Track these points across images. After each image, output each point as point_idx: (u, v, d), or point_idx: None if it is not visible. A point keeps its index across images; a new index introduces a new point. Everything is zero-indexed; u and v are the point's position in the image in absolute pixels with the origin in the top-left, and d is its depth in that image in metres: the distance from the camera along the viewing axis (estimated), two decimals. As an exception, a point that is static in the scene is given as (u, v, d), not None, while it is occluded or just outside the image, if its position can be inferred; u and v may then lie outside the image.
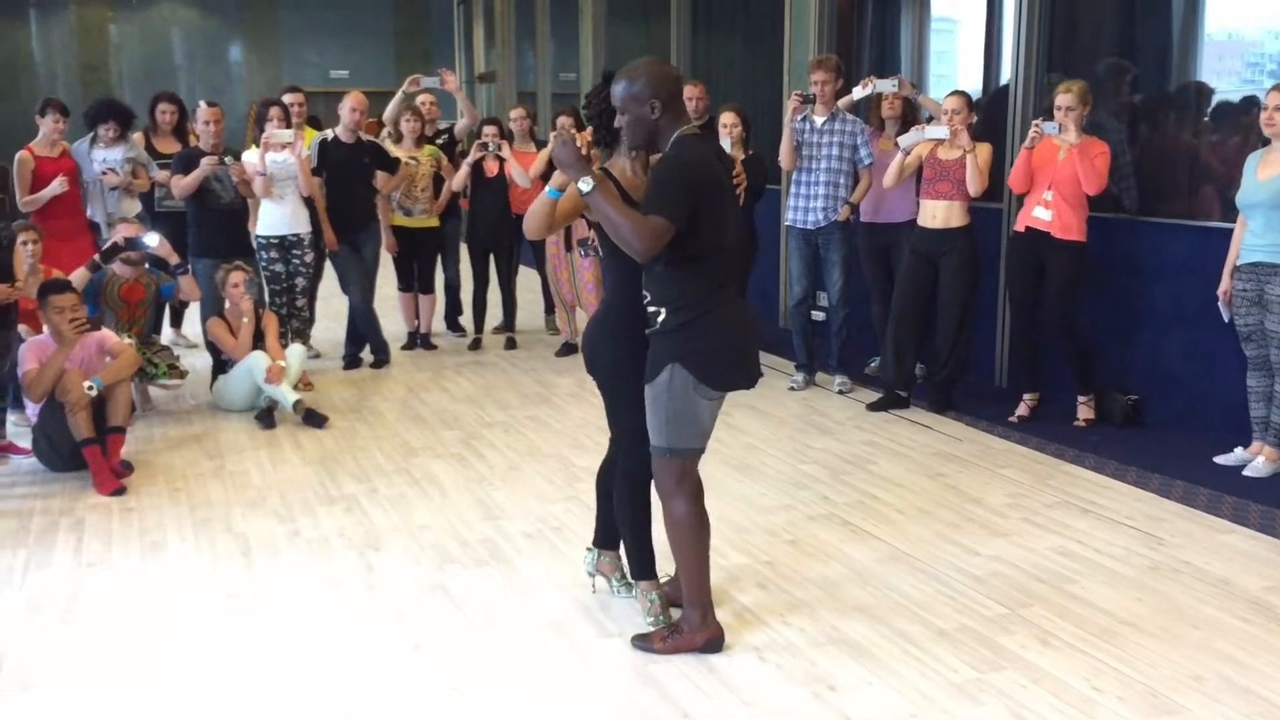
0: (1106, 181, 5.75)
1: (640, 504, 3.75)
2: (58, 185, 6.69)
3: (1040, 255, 5.86)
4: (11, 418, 5.97)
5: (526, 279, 9.05)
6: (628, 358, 3.54)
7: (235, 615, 3.91)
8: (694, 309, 3.36)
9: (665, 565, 3.97)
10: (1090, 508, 4.88)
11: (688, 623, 3.60)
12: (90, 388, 5.23)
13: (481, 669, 3.50)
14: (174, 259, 6.34)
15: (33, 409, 5.49)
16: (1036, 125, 5.74)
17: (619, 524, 3.81)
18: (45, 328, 5.42)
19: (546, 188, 3.49)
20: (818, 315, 7.22)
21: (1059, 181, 5.76)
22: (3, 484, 5.34)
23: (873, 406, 6.46)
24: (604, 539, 3.97)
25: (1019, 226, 5.95)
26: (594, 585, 4.02)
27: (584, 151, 3.37)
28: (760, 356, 3.65)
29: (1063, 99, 5.69)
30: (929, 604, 3.93)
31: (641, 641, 3.62)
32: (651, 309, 3.43)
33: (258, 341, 6.49)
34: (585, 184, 3.27)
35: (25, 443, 5.67)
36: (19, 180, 6.73)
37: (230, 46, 19.28)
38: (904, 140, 6.16)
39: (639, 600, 3.82)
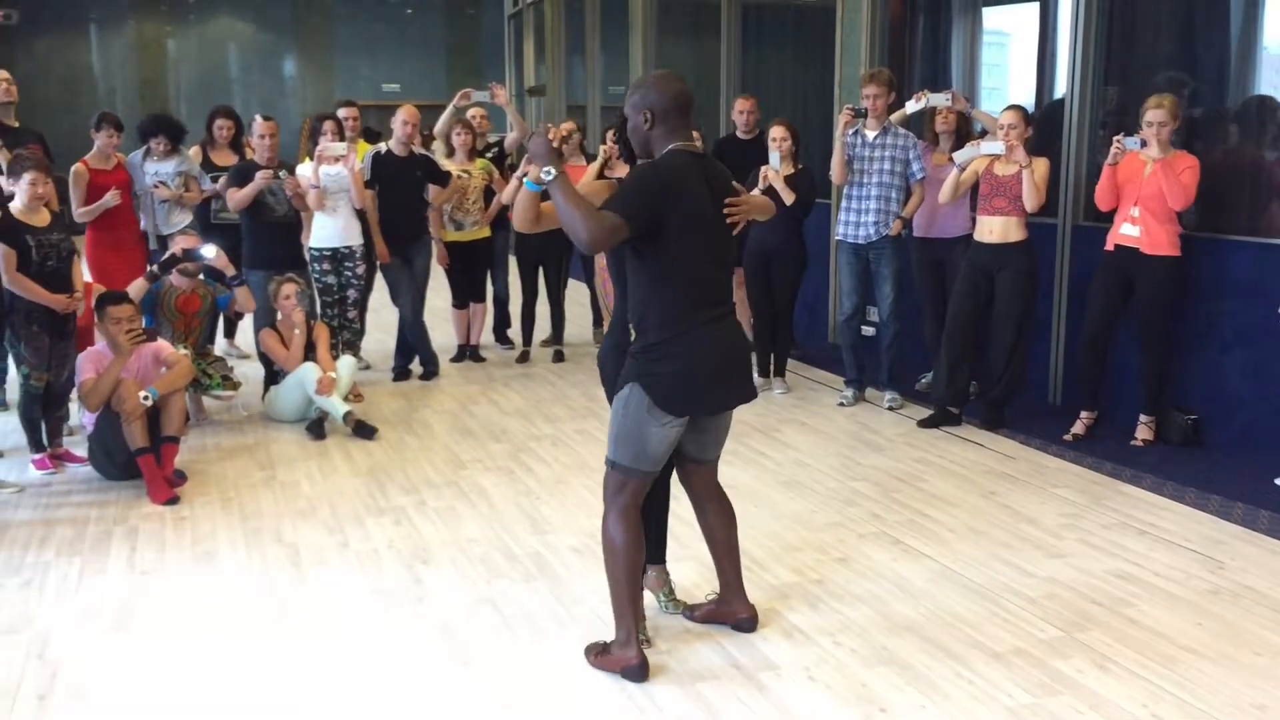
0: (1194, 196, 5.59)
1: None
2: (110, 198, 6.82)
3: (1129, 273, 5.74)
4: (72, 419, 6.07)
5: (575, 292, 9.06)
6: None
7: (285, 625, 3.93)
8: (660, 332, 3.36)
9: (712, 581, 3.95)
10: (1148, 529, 4.79)
11: (614, 640, 3.58)
12: (146, 398, 5.29)
13: (530, 685, 3.49)
14: (230, 271, 6.41)
15: (89, 418, 5.56)
16: (1119, 141, 5.62)
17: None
18: (101, 337, 5.50)
19: (525, 180, 3.46)
20: (868, 330, 7.15)
21: (1145, 198, 5.64)
22: (59, 492, 5.42)
23: (924, 423, 6.39)
24: (649, 553, 3.94)
25: (1108, 245, 5.83)
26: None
27: (555, 145, 3.35)
28: (745, 378, 3.57)
29: (1154, 114, 5.55)
30: (982, 626, 3.87)
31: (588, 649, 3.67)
32: (631, 329, 3.49)
33: (309, 353, 6.54)
34: (547, 173, 3.28)
35: (81, 451, 5.76)
36: (74, 192, 6.88)
37: (284, 60, 19.56)
38: (959, 156, 6.08)
39: None
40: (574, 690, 3.46)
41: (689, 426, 3.52)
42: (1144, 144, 5.58)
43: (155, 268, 6.31)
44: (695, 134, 3.60)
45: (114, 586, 4.27)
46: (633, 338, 3.47)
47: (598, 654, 3.61)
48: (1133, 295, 5.80)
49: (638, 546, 3.52)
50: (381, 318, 8.76)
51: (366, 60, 19.53)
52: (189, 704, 3.40)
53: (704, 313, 3.40)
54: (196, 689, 3.48)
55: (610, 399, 3.66)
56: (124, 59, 18.76)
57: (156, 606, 4.10)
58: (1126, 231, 5.74)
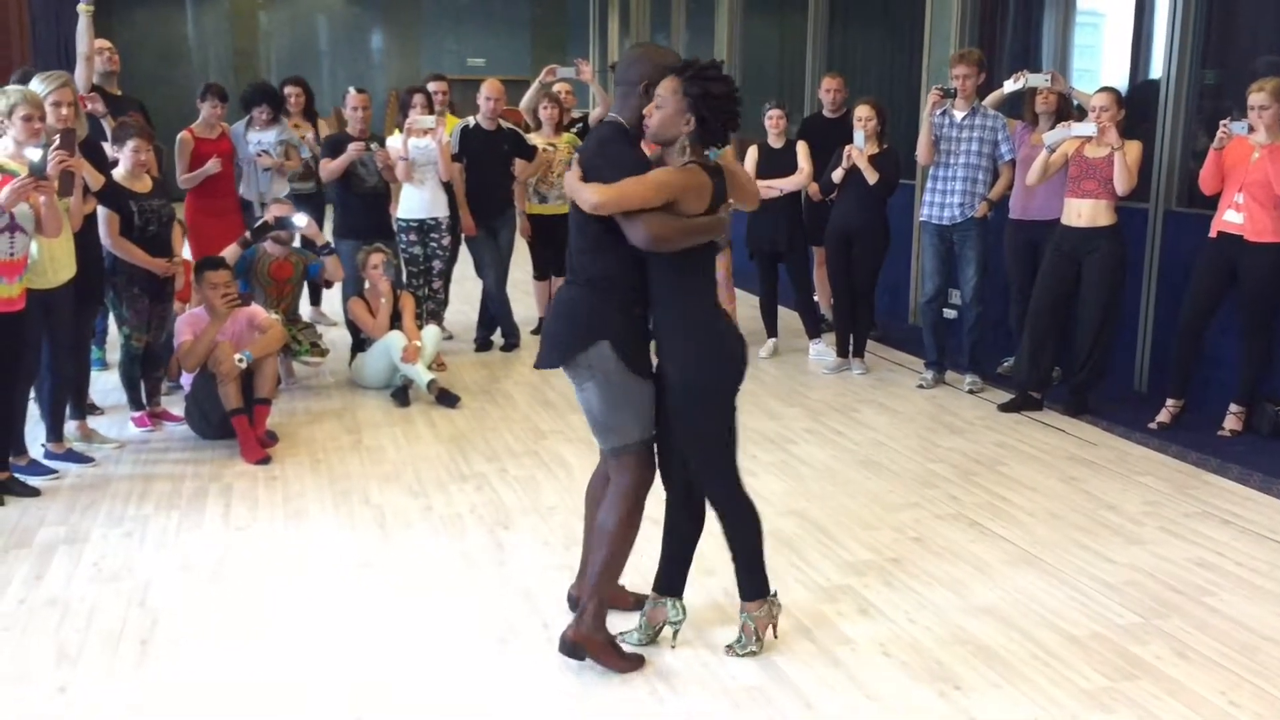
0: None
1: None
2: (212, 165, 7.01)
3: (1233, 260, 5.61)
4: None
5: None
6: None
7: (371, 584, 4.06)
8: None
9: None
10: (1232, 519, 4.72)
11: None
12: (241, 360, 5.46)
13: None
14: (321, 239, 6.57)
15: (186, 379, 5.76)
16: (1224, 126, 5.50)
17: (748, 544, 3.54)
18: (195, 301, 5.68)
19: None
20: (949, 313, 7.10)
21: (1250, 184, 5.51)
22: (157, 449, 5.62)
23: (1004, 407, 6.34)
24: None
25: (1211, 232, 5.70)
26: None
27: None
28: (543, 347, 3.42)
29: (1255, 98, 5.41)
30: (1060, 609, 3.87)
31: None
32: None
33: (395, 322, 6.68)
34: None
35: (178, 410, 5.96)
36: (179, 159, 7.10)
37: (372, 33, 19.80)
38: (1049, 137, 6.00)
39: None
40: (652, 657, 3.53)
41: None
42: (1251, 129, 5.46)
43: (249, 234, 6.49)
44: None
45: (210, 540, 4.44)
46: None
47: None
48: (1235, 283, 5.69)
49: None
50: (463, 289, 8.89)
51: (452, 34, 19.70)
52: (281, 654, 3.53)
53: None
54: (289, 640, 3.62)
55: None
56: (218, 30, 19.13)
57: (250, 561, 4.25)
58: (1230, 218, 5.61)
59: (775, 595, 3.58)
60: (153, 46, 18.37)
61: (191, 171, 7.07)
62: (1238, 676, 3.41)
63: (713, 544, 4.22)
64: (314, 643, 3.61)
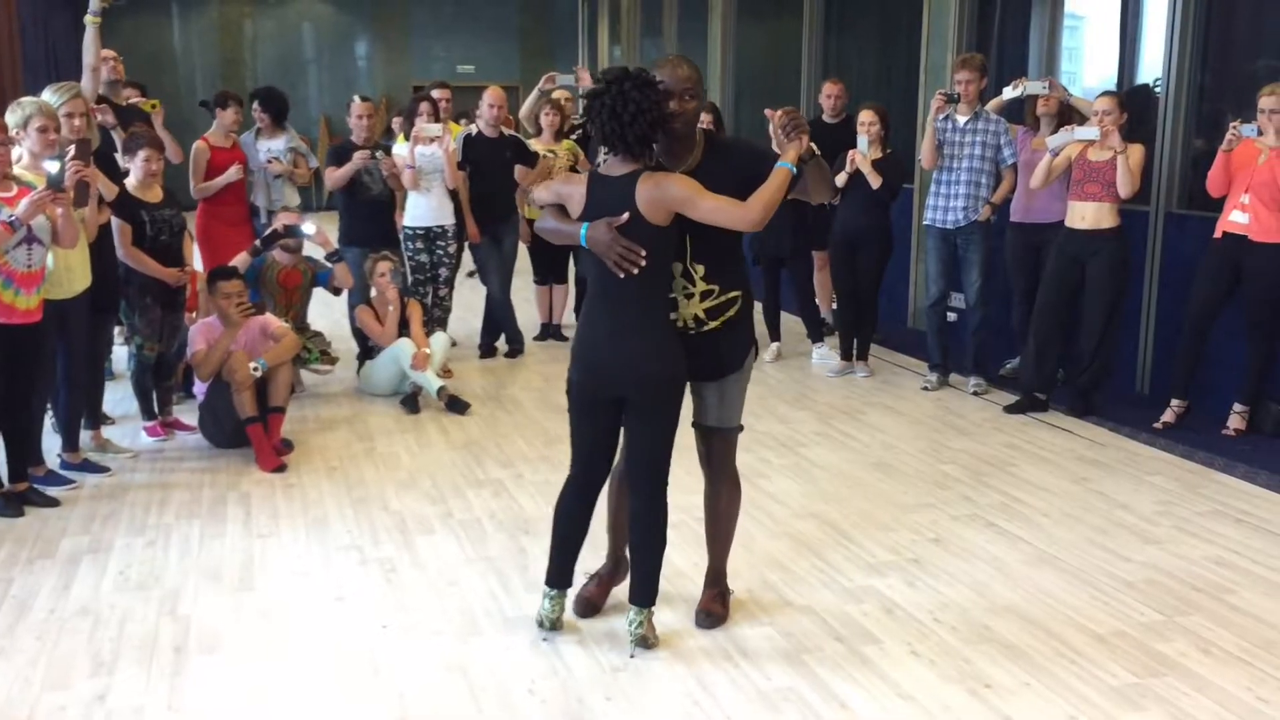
0: None
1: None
2: (234, 173, 7.05)
3: (1238, 260, 5.70)
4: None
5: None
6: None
7: (397, 589, 4.08)
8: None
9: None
10: (1244, 517, 4.79)
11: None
12: (255, 369, 5.47)
13: (639, 652, 3.60)
14: (330, 247, 6.58)
15: (200, 387, 5.76)
16: (1234, 128, 5.57)
17: (656, 551, 3.63)
18: (202, 310, 5.69)
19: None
20: (951, 315, 7.17)
21: (1257, 185, 5.59)
22: (172, 458, 5.63)
23: (1010, 409, 6.41)
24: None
25: (1217, 233, 5.78)
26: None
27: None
28: None
29: (1266, 101, 5.51)
30: (1082, 608, 3.92)
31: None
32: (728, 295, 3.53)
33: (402, 329, 6.70)
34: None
35: (190, 419, 5.96)
36: (194, 168, 7.10)
37: (359, 41, 19.81)
38: (1052, 141, 6.08)
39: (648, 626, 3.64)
40: (681, 657, 3.56)
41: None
42: (1260, 132, 5.54)
43: (258, 243, 6.50)
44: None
45: (235, 548, 4.45)
46: (738, 305, 3.55)
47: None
48: (1239, 283, 5.77)
49: None
50: (462, 295, 8.89)
51: (441, 42, 19.72)
52: (319, 660, 3.55)
53: None
54: (325, 646, 3.64)
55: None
56: (205, 39, 19.11)
57: (276, 568, 4.27)
58: (1236, 219, 5.69)
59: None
60: (140, 56, 18.29)
61: (206, 180, 7.07)
62: (1263, 672, 3.47)
63: (736, 549, 4.26)
64: (350, 648, 3.62)
